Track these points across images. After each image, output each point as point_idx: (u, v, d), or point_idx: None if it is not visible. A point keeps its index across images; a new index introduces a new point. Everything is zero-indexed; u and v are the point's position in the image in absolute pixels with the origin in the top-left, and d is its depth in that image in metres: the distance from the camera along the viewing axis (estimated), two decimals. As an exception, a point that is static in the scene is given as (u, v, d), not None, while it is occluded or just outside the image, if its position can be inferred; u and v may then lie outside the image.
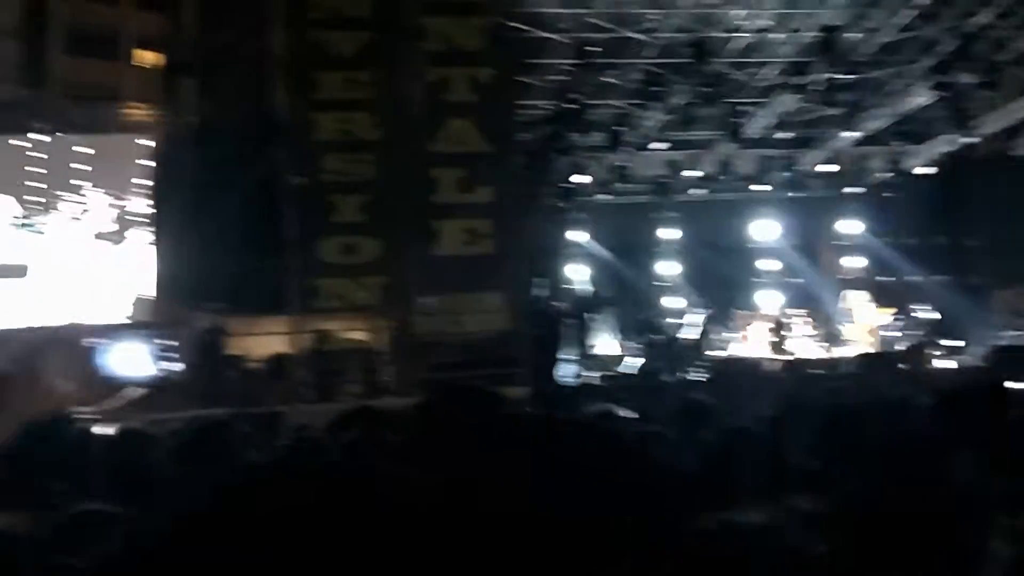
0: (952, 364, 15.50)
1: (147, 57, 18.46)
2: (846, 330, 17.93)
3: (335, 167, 13.75)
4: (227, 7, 14.54)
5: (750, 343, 17.20)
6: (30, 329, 11.86)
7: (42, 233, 13.91)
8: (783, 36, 17.20)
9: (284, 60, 14.29)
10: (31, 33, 17.40)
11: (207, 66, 14.56)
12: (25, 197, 13.88)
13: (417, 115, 14.22)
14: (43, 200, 13.89)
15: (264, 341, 13.12)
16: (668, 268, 19.79)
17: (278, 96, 14.36)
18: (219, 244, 12.69)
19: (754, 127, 18.04)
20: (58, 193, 13.96)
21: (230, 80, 14.33)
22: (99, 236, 14.00)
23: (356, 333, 13.35)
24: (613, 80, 17.74)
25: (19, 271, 13.70)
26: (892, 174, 19.39)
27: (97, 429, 4.51)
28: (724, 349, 16.97)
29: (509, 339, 13.50)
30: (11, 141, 14.19)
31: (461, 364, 12.37)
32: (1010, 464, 2.61)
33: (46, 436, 3.17)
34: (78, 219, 13.96)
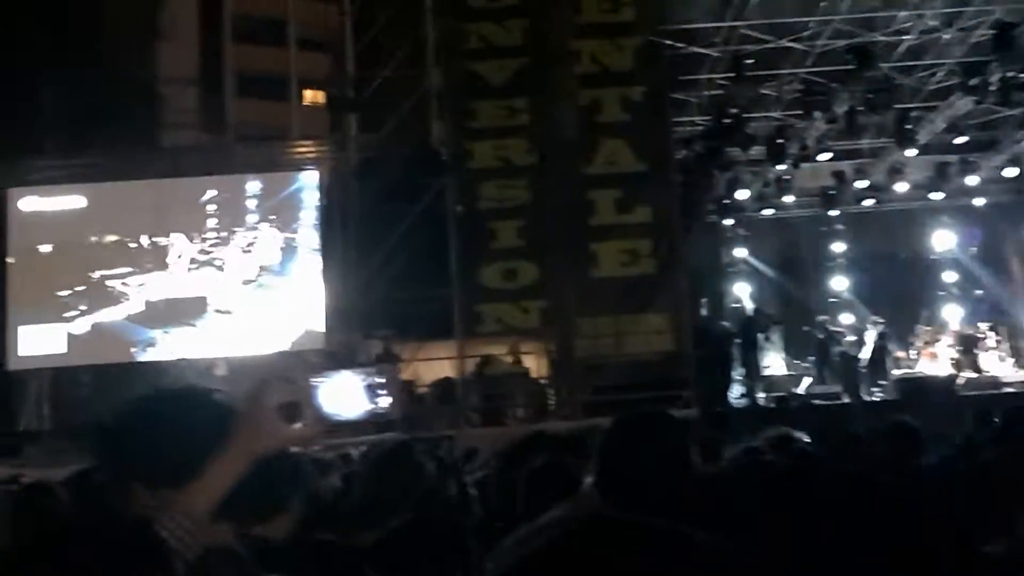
0: None
1: (313, 96, 19.31)
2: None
3: (493, 194, 13.92)
4: (386, 44, 15.00)
5: (934, 360, 16.17)
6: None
7: (221, 269, 14.65)
8: (952, 35, 16.29)
9: (442, 92, 14.63)
10: (207, 80, 18.55)
11: (369, 102, 15.06)
12: (204, 235, 14.68)
13: (571, 138, 14.23)
14: (220, 236, 14.65)
15: (431, 366, 13.35)
16: (838, 283, 18.94)
17: (437, 127, 14.71)
18: (385, 273, 13.04)
19: (926, 132, 17.10)
20: (234, 229, 14.69)
21: (392, 114, 14.77)
22: (270, 269, 14.63)
23: (519, 357, 13.39)
24: (771, 91, 17.24)
25: (199, 305, 14.47)
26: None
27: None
28: (905, 367, 16.04)
29: (674, 360, 13.24)
30: (191, 181, 15.06)
31: (625, 386, 12.19)
32: None
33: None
34: (250, 253, 14.63)
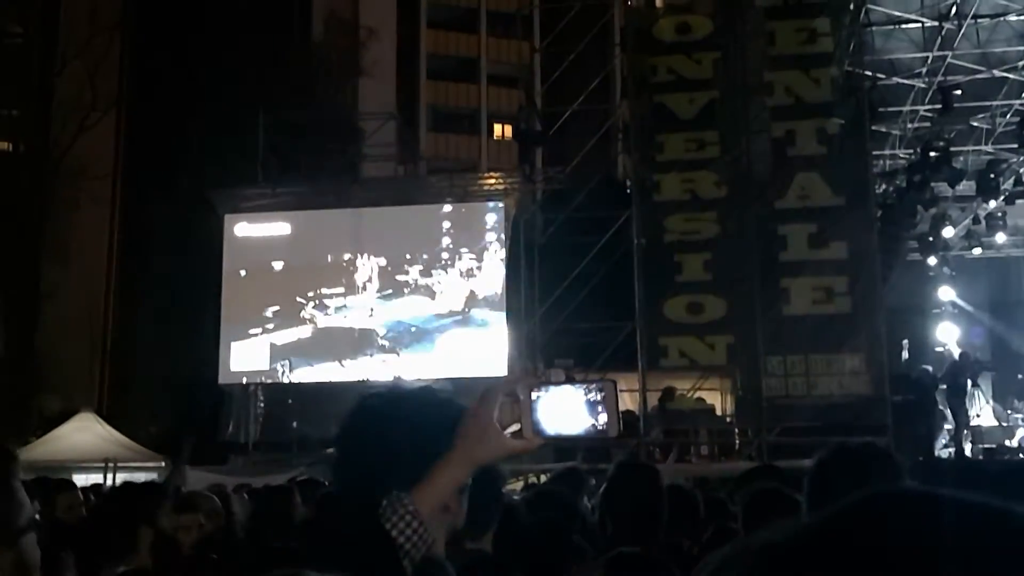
0: None
1: (502, 131, 19.79)
2: None
3: (679, 227, 13.72)
4: (575, 79, 15.17)
5: None
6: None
7: (411, 296, 15.18)
8: None
9: (629, 125, 14.61)
10: (404, 115, 19.42)
11: (557, 135, 15.25)
12: (397, 262, 15.27)
13: (762, 171, 13.86)
14: (413, 264, 15.20)
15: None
16: (1056, 328, 17.45)
17: (623, 160, 14.70)
18: (569, 304, 13.05)
19: None
20: (426, 257, 15.20)
21: (578, 147, 14.88)
22: (458, 297, 14.99)
23: (704, 393, 13.05)
24: (982, 124, 16.23)
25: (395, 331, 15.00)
26: None
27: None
28: None
29: (870, 405, 12.51)
30: (387, 211, 15.74)
31: (815, 428, 11.60)
32: None
33: None
34: (440, 282, 15.08)
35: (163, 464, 14.44)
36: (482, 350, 14.55)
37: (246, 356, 15.40)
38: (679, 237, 13.69)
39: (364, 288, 15.37)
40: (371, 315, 15.30)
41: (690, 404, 12.95)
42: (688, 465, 11.70)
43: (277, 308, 15.47)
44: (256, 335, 15.40)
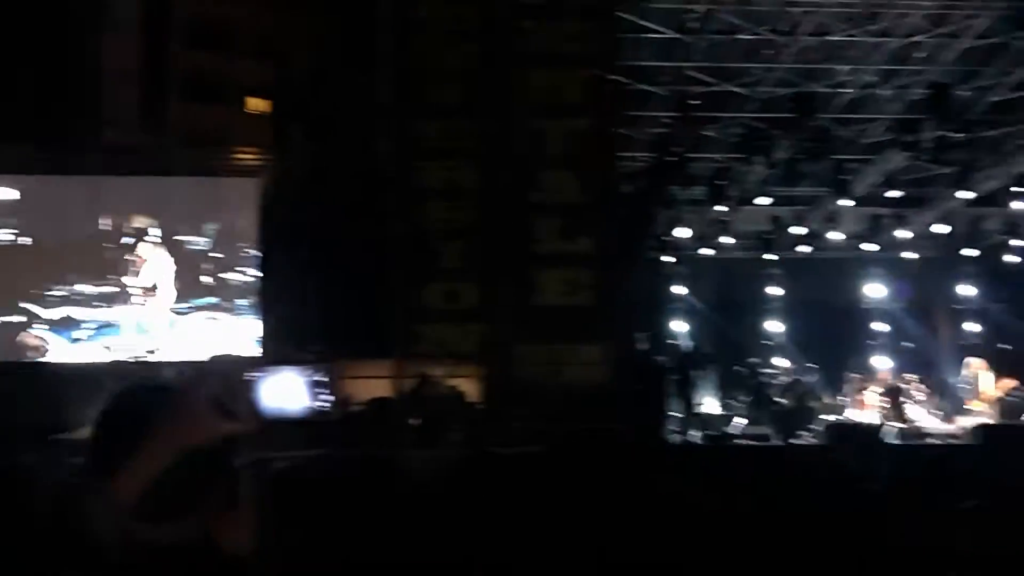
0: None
1: (258, 103, 18.99)
2: (966, 399, 17.07)
3: (438, 214, 13.81)
4: (336, 56, 14.84)
5: (862, 408, 16.45)
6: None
7: (155, 274, 14.21)
8: (890, 92, 16.80)
9: (391, 109, 14.48)
10: (148, 80, 18.10)
11: (316, 113, 14.85)
12: (138, 237, 14.23)
13: (519, 164, 14.23)
14: (155, 239, 14.22)
15: (367, 385, 13.08)
16: (773, 327, 19.24)
17: (384, 144, 14.56)
18: (323, 288, 12.77)
19: (862, 184, 17.55)
20: (169, 234, 14.27)
21: (338, 127, 14.57)
22: (208, 277, 14.22)
23: (456, 380, 13.21)
24: (714, 134, 17.53)
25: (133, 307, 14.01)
26: (1011, 237, 18.60)
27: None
28: (834, 413, 16.27)
29: (610, 393, 13.19)
30: (128, 181, 14.60)
31: (560, 416, 12.08)
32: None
33: None
34: (185, 259, 14.23)
35: None
36: (232, 333, 13.88)
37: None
38: (437, 225, 13.78)
39: (103, 263, 14.17)
40: (109, 293, 14.14)
41: (444, 391, 13.07)
42: (438, 451, 11.79)
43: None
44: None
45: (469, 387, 13.20)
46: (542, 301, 13.78)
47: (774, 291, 19.40)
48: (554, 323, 13.56)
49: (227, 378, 1.54)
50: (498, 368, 13.34)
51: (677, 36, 15.33)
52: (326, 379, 12.54)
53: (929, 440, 14.15)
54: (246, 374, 1.54)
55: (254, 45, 19.57)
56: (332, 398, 12.51)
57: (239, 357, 12.67)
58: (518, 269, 13.79)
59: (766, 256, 18.97)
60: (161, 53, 19.23)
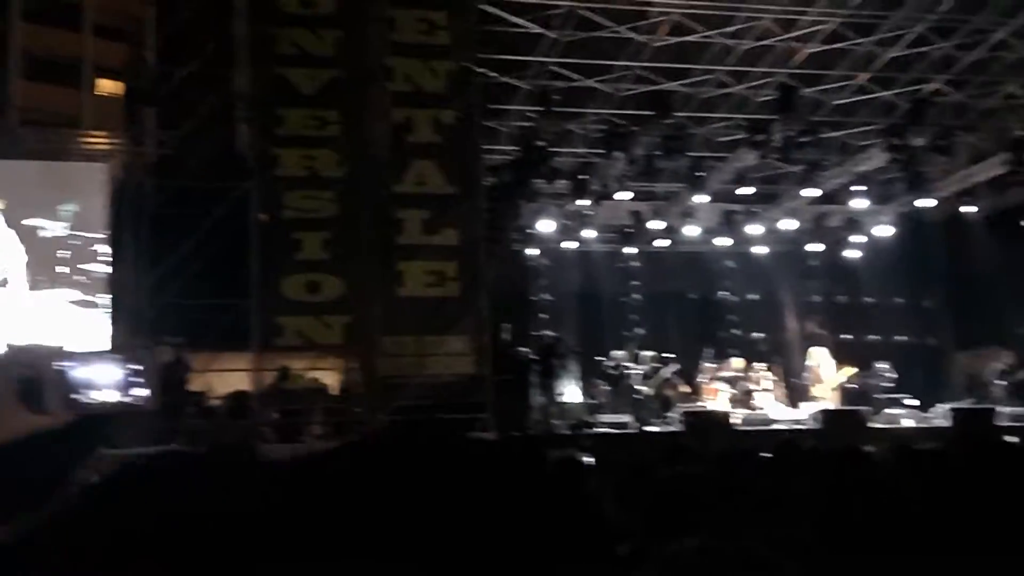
0: (910, 422, 15.61)
1: (109, 86, 18.09)
2: (810, 386, 18.02)
3: (299, 204, 13.53)
4: (192, 39, 14.30)
5: (715, 396, 17.14)
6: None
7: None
8: (741, 92, 17.50)
9: (249, 95, 14.08)
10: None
11: (170, 98, 14.26)
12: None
13: (381, 154, 14.08)
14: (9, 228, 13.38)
15: (225, 378, 12.70)
16: (632, 317, 19.76)
17: (242, 131, 14.13)
18: (180, 277, 12.31)
19: (715, 181, 18.22)
20: (20, 219, 13.45)
21: (194, 113, 14.04)
22: (58, 263, 13.49)
23: (319, 372, 12.99)
24: (577, 128, 17.84)
25: None
26: (851, 233, 19.71)
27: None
28: (689, 401, 16.88)
29: (474, 384, 13.27)
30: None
31: (425, 407, 12.08)
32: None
33: None
34: (32, 245, 13.45)
35: None
36: (83, 324, 13.19)
37: None
38: (298, 214, 13.50)
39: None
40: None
41: (306, 384, 12.84)
42: (300, 445, 11.58)
43: None
44: None
45: (332, 380, 13.02)
46: (406, 293, 13.70)
47: (634, 284, 19.94)
48: (419, 315, 13.50)
49: (31, 369, 1.48)
50: (362, 360, 13.19)
51: (541, 31, 15.53)
52: (179, 371, 12.10)
53: (775, 425, 14.85)
54: (56, 365, 1.47)
55: (106, 25, 18.71)
56: (186, 391, 12.08)
57: (47, 348, 12.09)
58: (382, 260, 13.66)
59: (626, 249, 19.46)
60: (4, 31, 18.07)
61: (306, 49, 13.92)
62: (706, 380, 17.56)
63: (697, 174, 17.67)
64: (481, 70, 15.37)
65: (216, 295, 12.49)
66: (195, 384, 12.40)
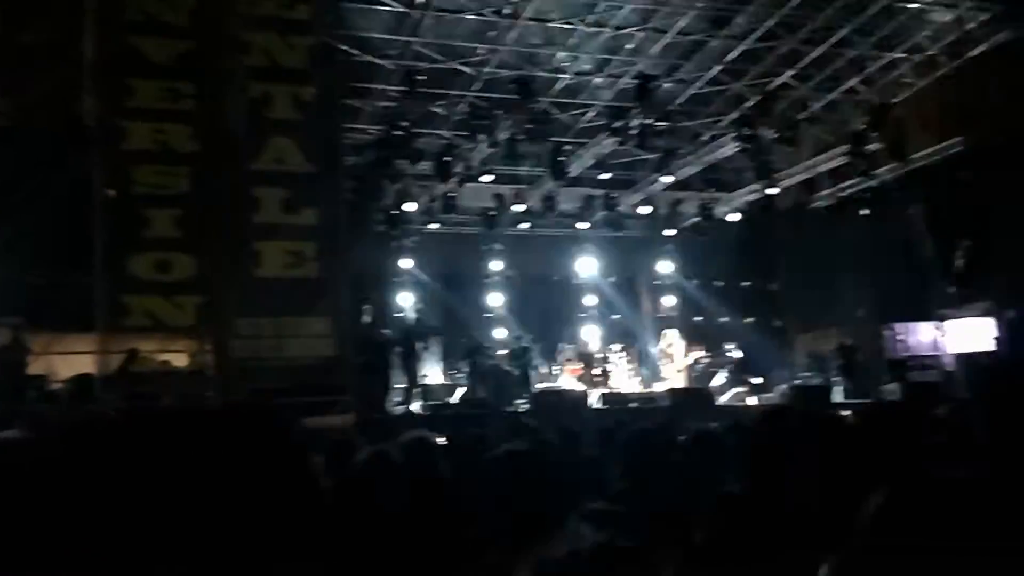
0: (754, 400, 16.38)
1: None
2: (662, 366, 18.66)
3: (149, 179, 13.00)
4: (36, 4, 13.50)
5: (573, 376, 17.52)
6: None
7: None
8: (602, 80, 17.84)
9: (97, 64, 13.40)
10: None
11: (9, 63, 13.41)
12: None
13: (238, 130, 13.67)
14: None
15: (69, 360, 12.08)
16: (494, 300, 19.96)
17: (88, 101, 13.44)
18: (16, 253, 11.63)
19: (576, 166, 18.54)
20: None
21: (37, 80, 13.26)
22: None
23: (169, 355, 12.54)
24: (441, 110, 17.79)
25: None
26: (703, 219, 20.44)
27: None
28: (548, 381, 17.19)
29: (334, 366, 13.11)
30: None
31: (282, 390, 11.85)
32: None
33: None
34: None
35: None
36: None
37: None
38: (148, 190, 12.96)
39: None
40: None
41: (155, 366, 12.37)
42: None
43: None
44: None
45: (183, 362, 12.60)
46: (263, 273, 13.38)
47: (496, 266, 20.13)
48: (276, 296, 13.21)
49: None
50: (215, 342, 12.82)
51: (405, 11, 15.37)
52: (17, 353, 11.44)
53: (630, 404, 15.31)
54: None
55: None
56: (25, 374, 11.45)
57: None
58: (238, 240, 13.28)
59: (490, 232, 19.60)
60: None
61: (158, 18, 13.35)
62: (564, 360, 17.94)
63: (559, 159, 17.94)
64: (343, 47, 15.11)
65: (58, 273, 11.86)
66: (35, 367, 11.77)
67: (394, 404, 14.27)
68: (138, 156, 13.00)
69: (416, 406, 14.50)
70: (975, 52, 16.00)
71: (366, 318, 15.13)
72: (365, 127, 17.33)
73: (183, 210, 12.97)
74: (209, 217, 13.04)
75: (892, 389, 15.49)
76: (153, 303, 12.47)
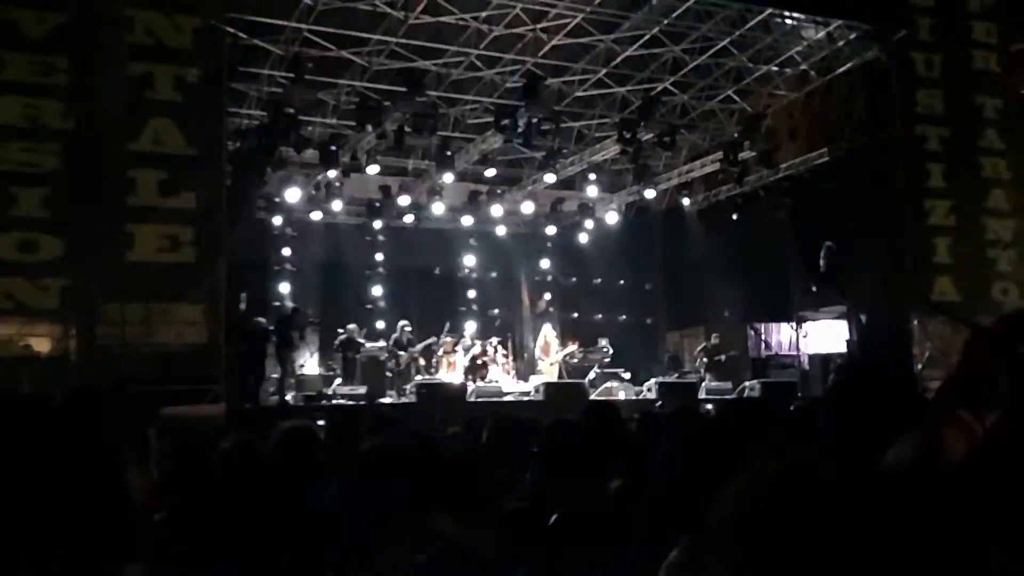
0: (623, 395, 16.87)
1: None
2: (538, 360, 18.99)
3: (16, 156, 12.43)
4: None
5: (452, 368, 17.63)
6: None
7: None
8: (491, 77, 18.00)
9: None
10: None
11: None
12: None
13: (115, 109, 13.21)
14: None
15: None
16: (376, 291, 19.87)
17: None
18: None
19: (462, 161, 18.65)
20: None
21: None
22: None
23: (32, 339, 12.01)
24: (329, 98, 17.59)
25: None
26: (584, 218, 20.86)
27: None
28: (426, 373, 17.24)
29: (206, 354, 12.83)
30: None
31: (150, 378, 11.53)
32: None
33: None
34: None
35: None
36: None
37: None
38: (14, 167, 12.40)
39: None
40: None
41: (15, 352, 11.84)
42: None
43: None
44: None
45: (45, 347, 12.09)
46: (136, 257, 12.97)
47: (379, 257, 20.05)
48: (149, 281, 12.83)
49: None
50: (80, 327, 12.36)
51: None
52: None
53: (506, 397, 15.54)
54: None
55: None
56: None
57: None
58: (110, 222, 12.83)
59: (374, 223, 19.50)
60: None
61: (31, -12, 12.77)
62: (444, 352, 18.05)
63: (446, 153, 18.01)
64: (231, 30, 14.77)
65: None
66: None
67: (267, 394, 14.07)
68: (5, 132, 12.42)
69: (290, 397, 14.34)
70: (843, 68, 16.88)
71: (242, 306, 14.83)
72: (249, 112, 16.97)
73: (52, 189, 12.45)
74: (80, 197, 12.56)
75: (752, 386, 16.21)
76: (15, 285, 11.96)
